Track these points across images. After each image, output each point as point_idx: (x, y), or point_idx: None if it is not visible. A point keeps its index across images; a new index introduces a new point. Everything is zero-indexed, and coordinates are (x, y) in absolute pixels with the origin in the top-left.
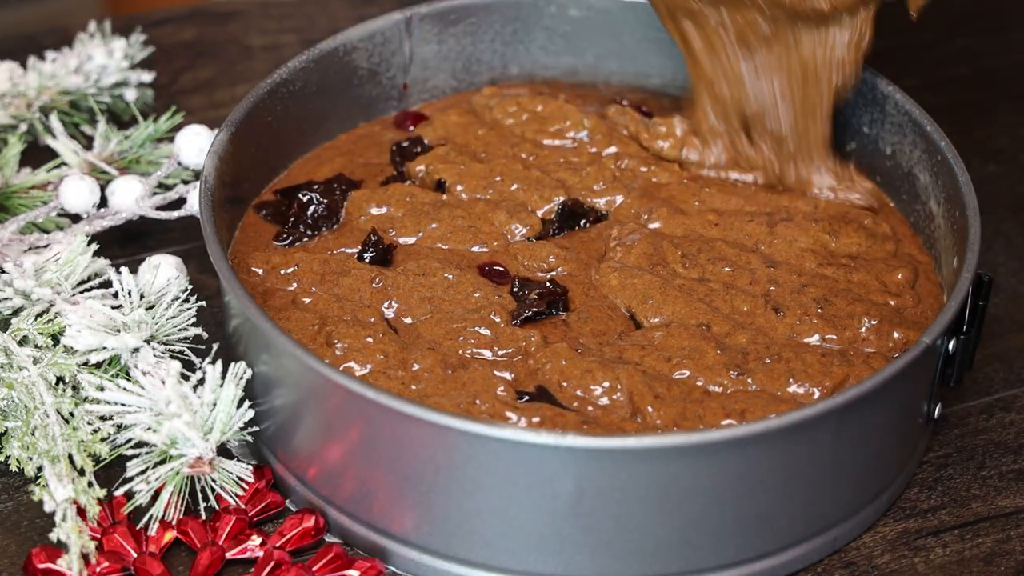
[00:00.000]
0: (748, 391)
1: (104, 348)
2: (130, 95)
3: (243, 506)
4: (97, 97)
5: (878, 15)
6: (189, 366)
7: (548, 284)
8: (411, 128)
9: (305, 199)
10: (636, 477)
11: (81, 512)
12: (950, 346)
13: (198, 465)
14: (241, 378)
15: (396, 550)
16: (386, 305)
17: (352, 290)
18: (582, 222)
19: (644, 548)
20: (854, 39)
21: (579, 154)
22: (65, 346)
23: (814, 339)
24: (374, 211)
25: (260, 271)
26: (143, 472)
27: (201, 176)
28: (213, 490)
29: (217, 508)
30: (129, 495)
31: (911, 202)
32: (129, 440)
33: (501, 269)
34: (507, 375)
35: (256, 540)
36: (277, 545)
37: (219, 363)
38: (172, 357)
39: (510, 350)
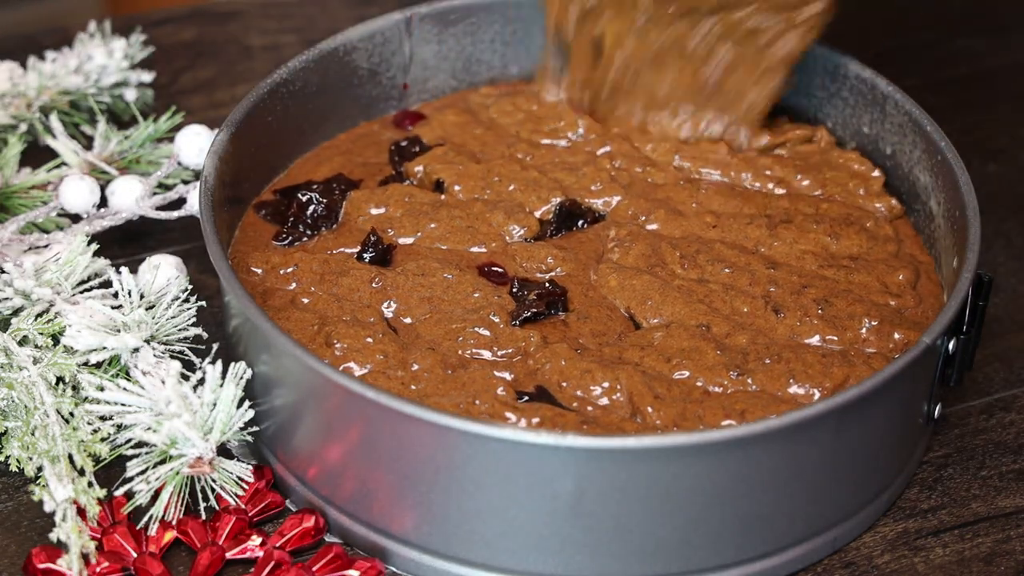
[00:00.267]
0: (748, 391)
1: (104, 348)
2: (130, 95)
3: (243, 506)
4: (97, 97)
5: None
6: (189, 366)
7: (547, 285)
8: (409, 127)
9: (304, 199)
10: (636, 477)
11: (81, 512)
12: (950, 346)
13: (198, 465)
14: (241, 378)
15: (396, 550)
16: (385, 305)
17: (351, 290)
18: (579, 223)
19: (644, 548)
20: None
21: (575, 154)
22: (65, 346)
23: (814, 340)
24: (373, 211)
25: (259, 271)
26: (143, 472)
27: (201, 176)
28: (213, 490)
29: (217, 508)
30: (129, 495)
31: (911, 202)
32: (129, 440)
33: (500, 270)
34: (507, 375)
35: (256, 540)
36: (277, 545)
37: (219, 363)
38: (172, 357)
39: (509, 350)
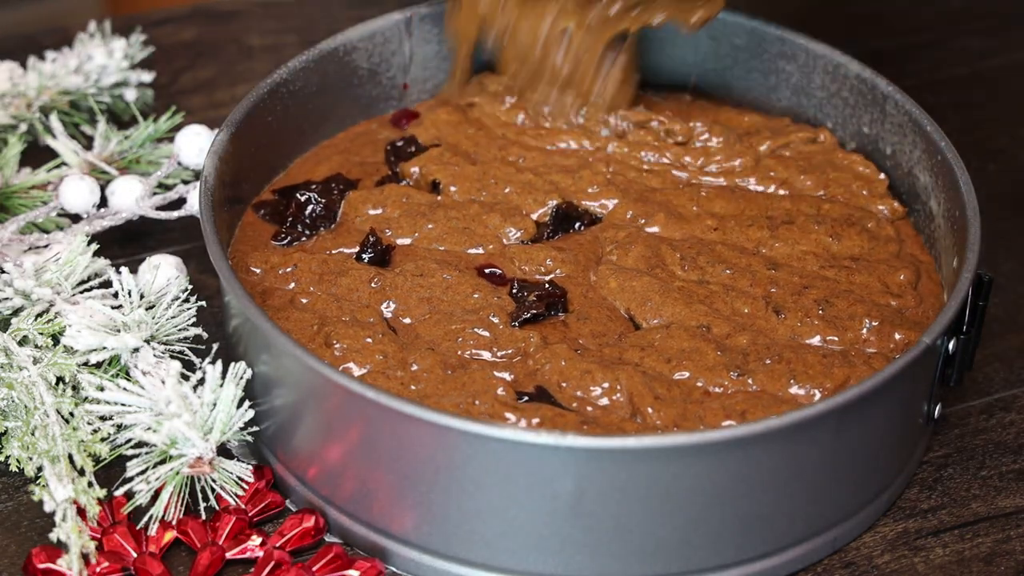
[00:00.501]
0: (749, 392)
1: (104, 348)
2: (130, 95)
3: (243, 506)
4: (97, 97)
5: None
6: (189, 366)
7: (547, 286)
8: (405, 126)
9: (303, 199)
10: (636, 477)
11: (81, 512)
12: (950, 346)
13: (198, 465)
14: (241, 378)
15: (396, 550)
16: (384, 305)
17: (350, 290)
18: (576, 225)
19: (644, 548)
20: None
21: (569, 156)
22: (65, 346)
23: (815, 340)
24: (371, 211)
25: (258, 271)
26: (143, 472)
27: (201, 176)
28: (213, 490)
29: (217, 508)
30: (129, 495)
31: (911, 202)
32: (129, 440)
33: (499, 272)
34: (507, 376)
35: (256, 540)
36: (277, 545)
37: (219, 363)
38: (172, 357)
39: (509, 351)
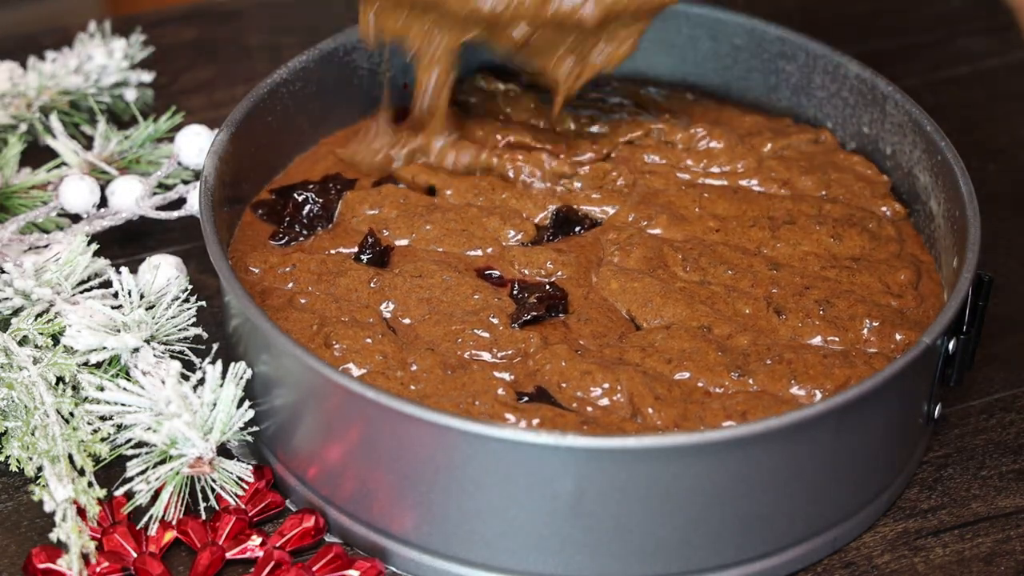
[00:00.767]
0: (749, 392)
1: (104, 348)
2: (130, 95)
3: (243, 506)
4: (97, 97)
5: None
6: (189, 366)
7: (548, 287)
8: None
9: (301, 199)
10: (636, 477)
11: (81, 512)
12: (950, 346)
13: (198, 465)
14: (241, 378)
15: (396, 550)
16: (384, 306)
17: (349, 290)
18: (577, 228)
19: (644, 548)
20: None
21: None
22: (65, 346)
23: (816, 340)
24: (368, 212)
25: (257, 270)
26: (143, 472)
27: (201, 176)
28: (213, 490)
29: (217, 508)
30: (129, 495)
31: (911, 202)
32: (129, 440)
33: (498, 274)
34: (507, 376)
35: (256, 540)
36: (277, 545)
37: (219, 363)
38: (172, 357)
39: (509, 352)
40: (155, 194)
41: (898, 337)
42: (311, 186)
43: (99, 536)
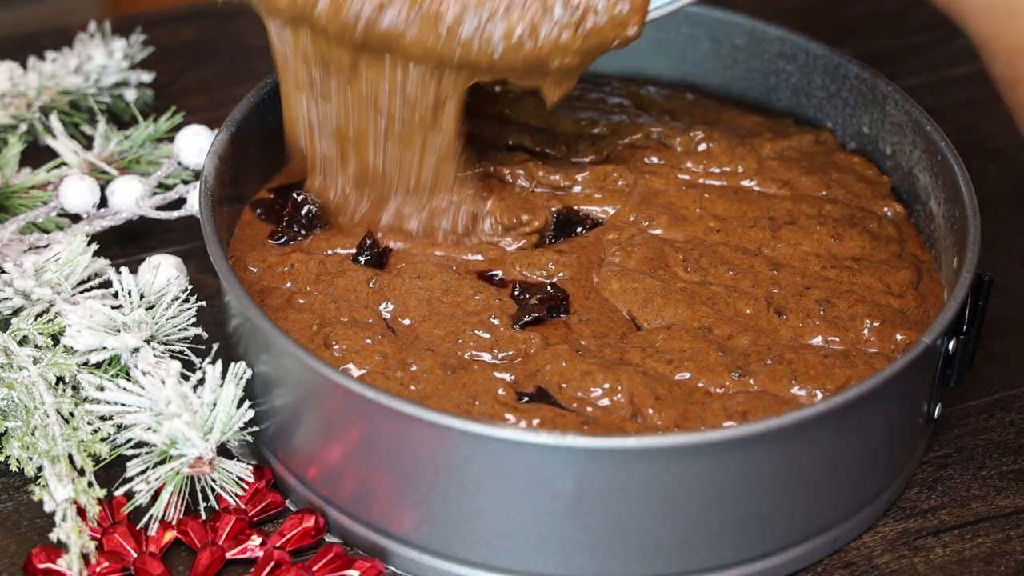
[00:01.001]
0: (750, 392)
1: (104, 348)
2: (130, 95)
3: (243, 506)
4: (97, 97)
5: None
6: (189, 366)
7: (549, 288)
8: None
9: (299, 199)
10: (636, 477)
11: (81, 512)
12: (950, 346)
13: (198, 465)
14: (241, 378)
15: (396, 550)
16: (383, 306)
17: (348, 290)
18: (578, 229)
19: (644, 548)
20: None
21: (567, 165)
22: (65, 346)
23: (817, 341)
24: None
25: (255, 270)
26: (143, 472)
27: (201, 176)
28: (213, 490)
29: (217, 508)
30: (129, 495)
31: (911, 202)
32: (129, 440)
33: (499, 276)
34: (507, 376)
35: (256, 540)
36: (277, 545)
37: (219, 363)
38: (172, 357)
39: (510, 352)
40: (155, 194)
41: (899, 337)
42: None
43: (99, 536)
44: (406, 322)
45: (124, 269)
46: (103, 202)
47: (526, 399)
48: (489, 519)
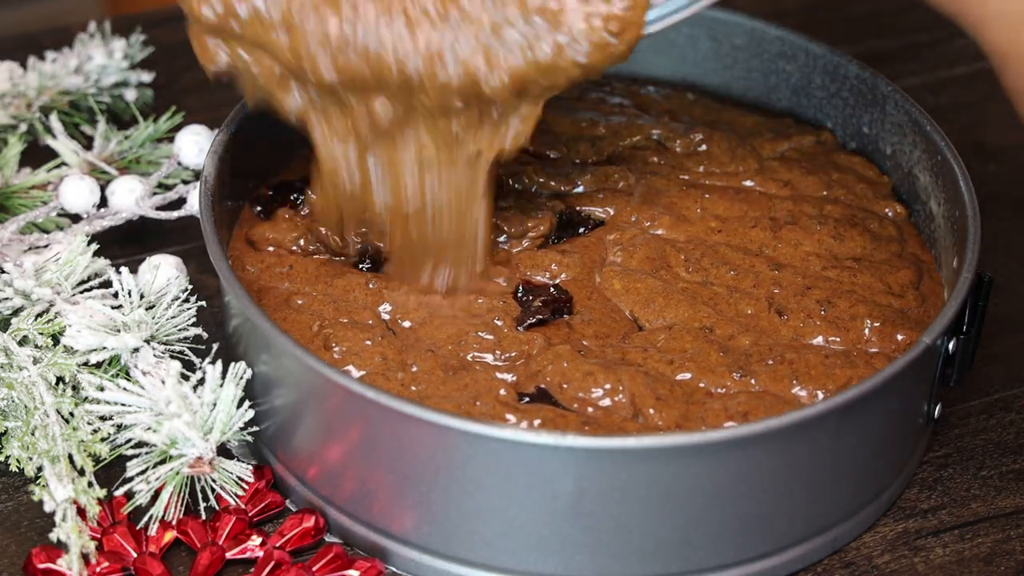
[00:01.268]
0: (751, 392)
1: (104, 348)
2: (130, 95)
3: (243, 506)
4: (97, 97)
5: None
6: (189, 366)
7: (552, 290)
8: None
9: (299, 202)
10: (636, 477)
11: (81, 512)
12: (950, 346)
13: (198, 465)
14: (241, 378)
15: (396, 550)
16: (382, 307)
17: (347, 291)
18: (580, 229)
19: (644, 548)
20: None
21: (568, 165)
22: (65, 346)
23: (818, 341)
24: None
25: (254, 269)
26: (143, 472)
27: (201, 176)
28: (213, 490)
29: (217, 508)
30: (129, 495)
31: (911, 202)
32: (129, 440)
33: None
34: (508, 377)
35: (256, 540)
36: (277, 545)
37: (219, 363)
38: (172, 357)
39: (513, 353)
40: (155, 194)
41: (899, 337)
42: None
43: (99, 536)
44: (406, 324)
45: (124, 269)
46: (103, 202)
47: (527, 400)
48: (489, 519)
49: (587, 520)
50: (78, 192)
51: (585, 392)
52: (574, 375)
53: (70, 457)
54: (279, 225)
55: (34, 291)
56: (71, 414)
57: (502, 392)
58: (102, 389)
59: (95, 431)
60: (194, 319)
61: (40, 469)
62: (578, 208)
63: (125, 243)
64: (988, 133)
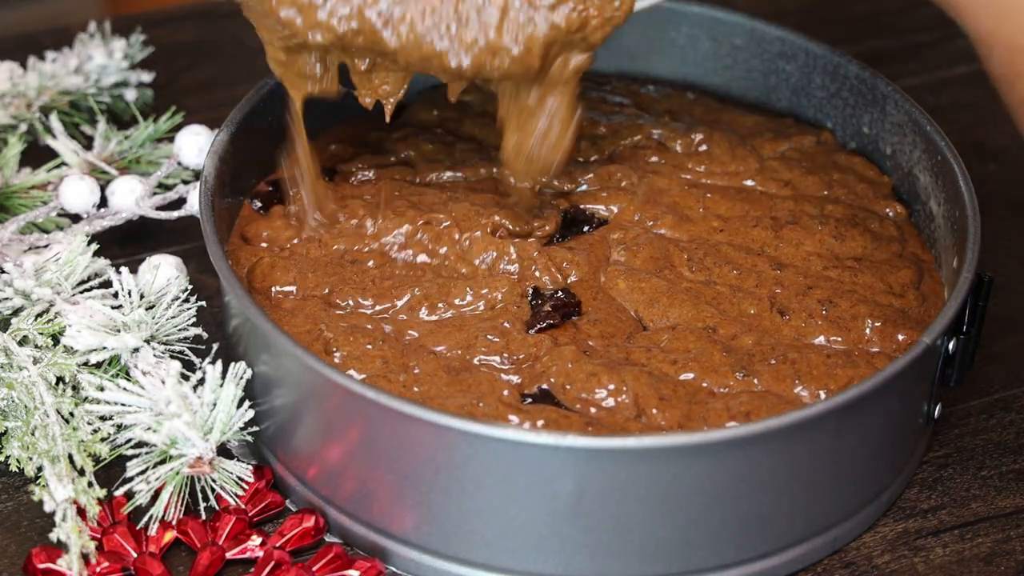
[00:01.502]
0: (753, 392)
1: (104, 348)
2: (130, 95)
3: (243, 506)
4: (97, 97)
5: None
6: (189, 366)
7: (561, 295)
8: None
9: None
10: (636, 477)
11: (81, 512)
12: (950, 346)
13: (198, 465)
14: (241, 378)
15: (396, 550)
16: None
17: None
18: (584, 228)
19: (644, 548)
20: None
21: (570, 164)
22: (65, 346)
23: (819, 340)
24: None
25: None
26: (143, 472)
27: (201, 176)
28: (213, 490)
29: (217, 508)
30: (129, 495)
31: (911, 202)
32: (129, 440)
33: (514, 270)
34: (511, 378)
35: (256, 540)
36: (277, 545)
37: (219, 363)
38: (172, 357)
39: (520, 356)
40: (155, 194)
41: (900, 337)
42: None
43: (99, 536)
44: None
45: (124, 269)
46: (103, 202)
47: (529, 400)
48: (489, 519)
49: (587, 520)
50: (78, 192)
51: (588, 393)
52: (578, 376)
53: (70, 457)
54: (275, 222)
55: (34, 291)
56: (71, 414)
57: (505, 393)
58: (102, 389)
59: (95, 431)
60: (194, 319)
61: (40, 469)
62: (582, 206)
63: (125, 243)
64: (988, 133)
